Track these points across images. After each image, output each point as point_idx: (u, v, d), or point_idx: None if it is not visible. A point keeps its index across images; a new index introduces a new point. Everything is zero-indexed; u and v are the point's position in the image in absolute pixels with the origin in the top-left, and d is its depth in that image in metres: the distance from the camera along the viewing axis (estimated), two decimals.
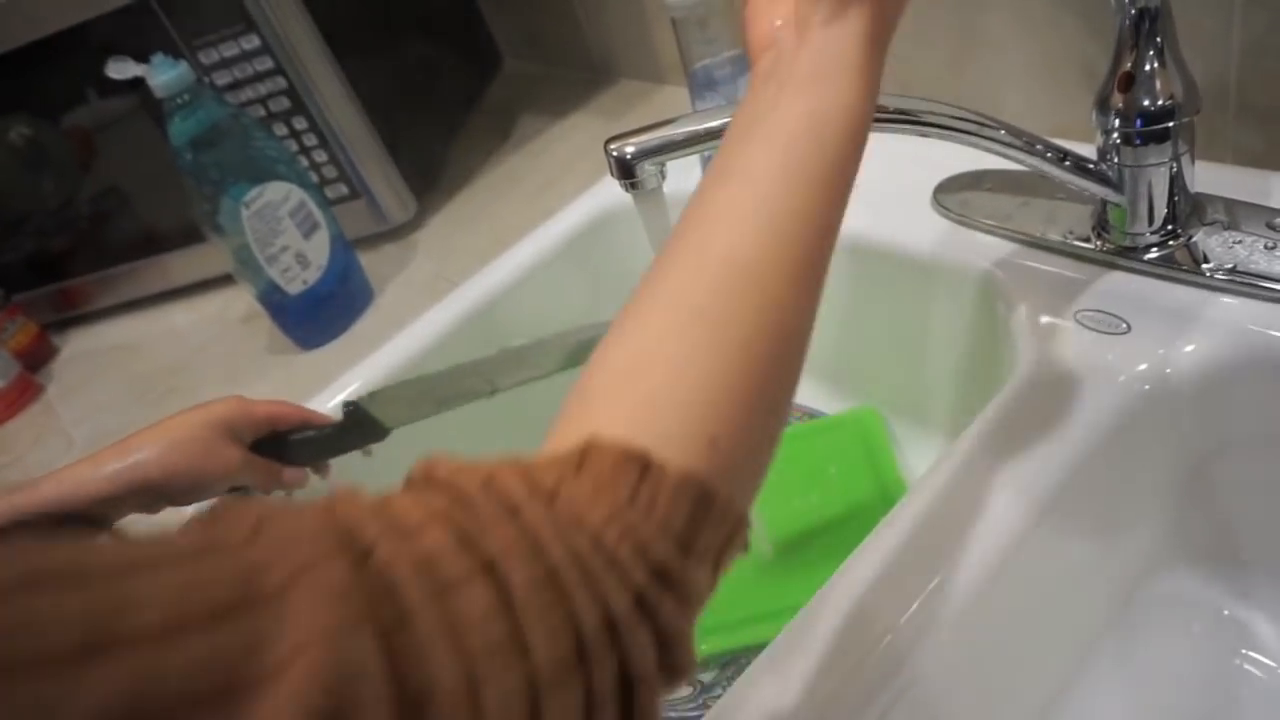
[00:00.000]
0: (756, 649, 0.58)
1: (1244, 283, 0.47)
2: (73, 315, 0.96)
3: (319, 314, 0.76)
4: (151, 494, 0.49)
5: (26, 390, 0.87)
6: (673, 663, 0.25)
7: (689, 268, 0.31)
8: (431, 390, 0.55)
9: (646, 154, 0.44)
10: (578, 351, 0.54)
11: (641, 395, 0.28)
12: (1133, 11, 0.44)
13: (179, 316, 0.91)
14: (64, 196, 0.89)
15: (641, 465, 0.26)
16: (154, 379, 0.83)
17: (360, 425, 0.54)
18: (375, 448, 0.56)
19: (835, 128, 0.33)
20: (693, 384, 0.28)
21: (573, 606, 0.23)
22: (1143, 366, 0.46)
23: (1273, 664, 0.51)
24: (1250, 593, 0.52)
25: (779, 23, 0.35)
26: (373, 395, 0.55)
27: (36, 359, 0.92)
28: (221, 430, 0.50)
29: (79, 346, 0.94)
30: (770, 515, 0.65)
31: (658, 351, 0.29)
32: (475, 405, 0.57)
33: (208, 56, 0.76)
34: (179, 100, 0.66)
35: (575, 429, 0.27)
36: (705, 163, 0.72)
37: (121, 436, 0.76)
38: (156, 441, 0.49)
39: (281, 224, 0.72)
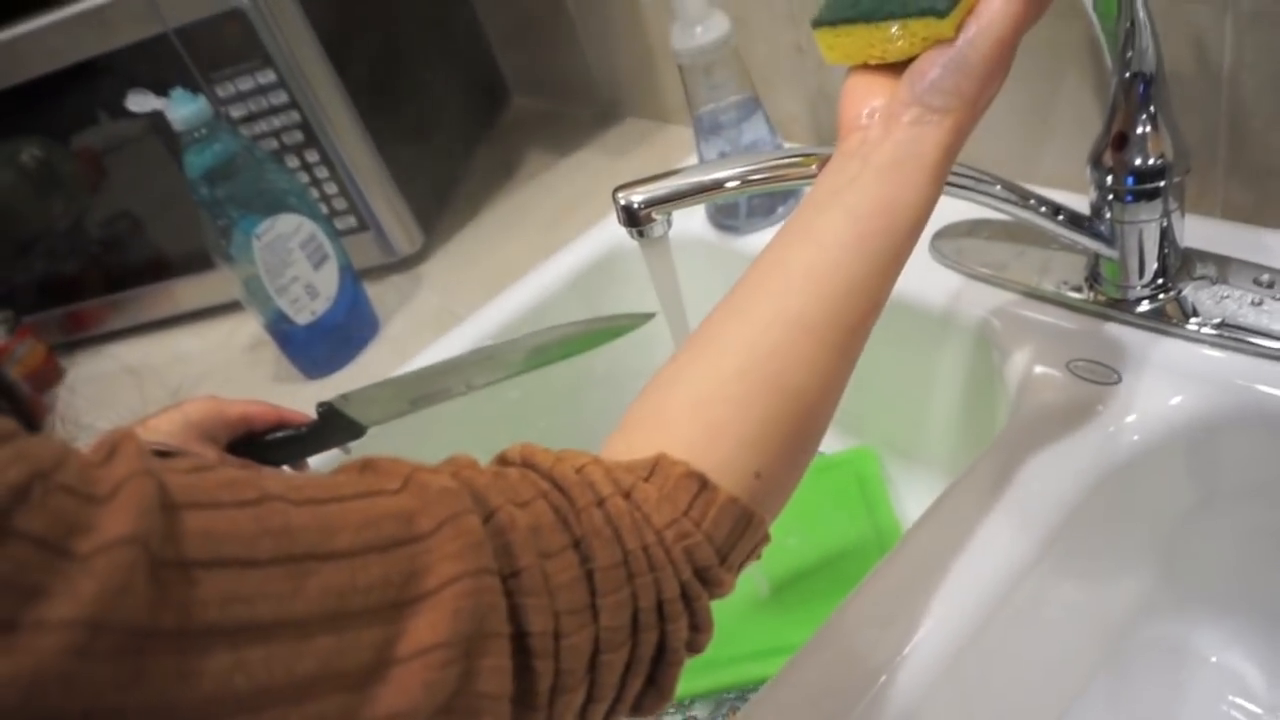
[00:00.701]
0: (751, 687, 0.59)
1: (1232, 337, 0.48)
2: (81, 337, 0.98)
3: (325, 344, 0.78)
4: None
5: (34, 412, 0.88)
6: (696, 641, 0.32)
7: (762, 320, 0.36)
8: (406, 390, 0.56)
9: (653, 203, 0.45)
10: (545, 350, 0.58)
11: (706, 426, 0.33)
12: (1128, 74, 0.46)
13: (186, 341, 0.92)
14: (73, 218, 0.90)
15: (700, 484, 0.32)
16: (160, 403, 0.83)
17: (336, 424, 0.55)
18: (353, 445, 0.57)
19: (904, 215, 0.37)
20: (750, 423, 0.34)
21: (635, 588, 0.29)
22: (1132, 417, 0.48)
23: (1259, 710, 0.51)
24: (1238, 639, 0.53)
25: (871, 111, 0.39)
26: (347, 396, 0.55)
27: (44, 380, 0.93)
28: (195, 433, 0.50)
29: (86, 369, 0.95)
30: (766, 553, 0.65)
31: (725, 390, 0.34)
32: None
33: (224, 90, 0.77)
34: (196, 134, 0.68)
35: (647, 440, 0.33)
36: (710, 211, 0.74)
37: None
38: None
39: (292, 255, 0.73)
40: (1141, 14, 0.44)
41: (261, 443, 0.54)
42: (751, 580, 0.64)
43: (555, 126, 1.02)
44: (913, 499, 0.68)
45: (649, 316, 0.54)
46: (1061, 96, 0.59)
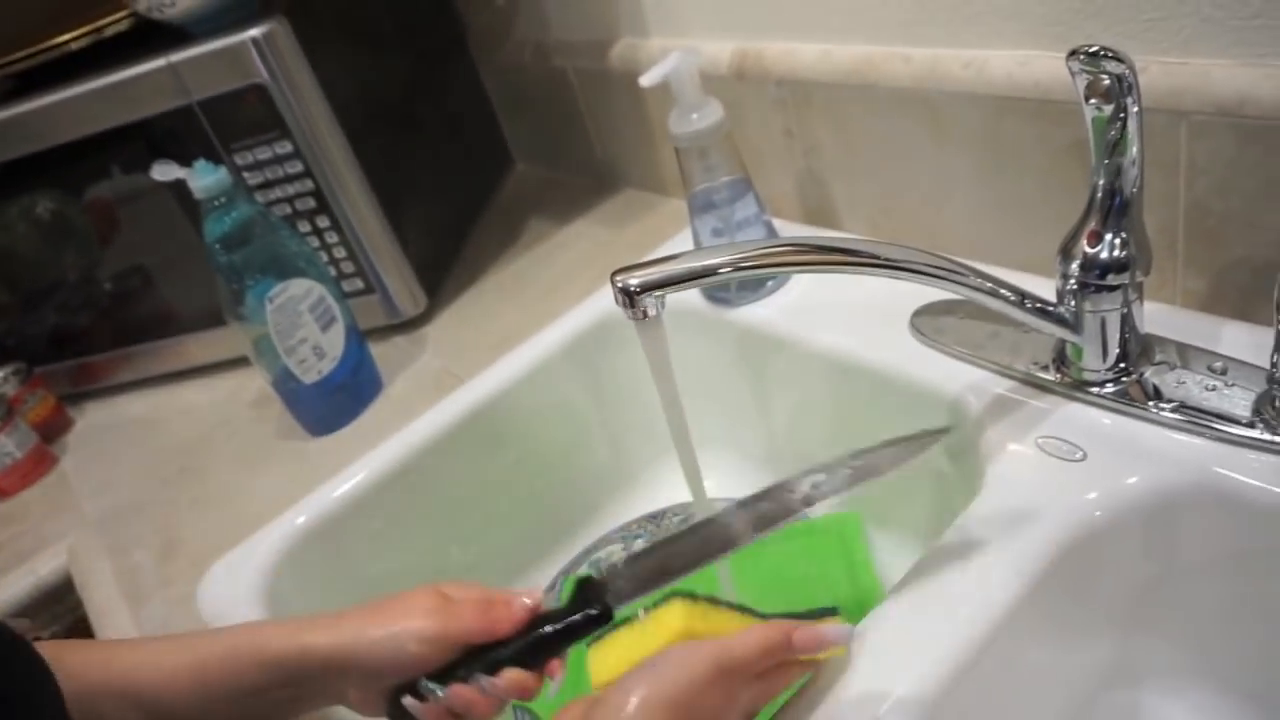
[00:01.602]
0: None
1: (1189, 419, 0.51)
2: (90, 389, 1.00)
3: (330, 402, 0.81)
4: (376, 672, 0.48)
5: (42, 461, 0.91)
6: None
7: None
8: (667, 562, 0.49)
9: (649, 287, 0.48)
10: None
11: None
12: (1108, 183, 0.49)
13: (193, 395, 0.95)
14: (85, 271, 0.94)
15: None
16: (167, 456, 0.86)
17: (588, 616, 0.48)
18: None
19: None
20: None
21: None
22: (1094, 494, 0.51)
23: None
24: (1198, 709, 0.55)
25: None
26: (601, 572, 0.49)
27: (53, 430, 0.95)
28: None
29: (95, 420, 0.97)
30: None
31: None
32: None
33: (242, 158, 0.81)
34: (216, 202, 0.72)
35: None
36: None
37: (132, 511, 0.79)
38: (424, 613, 0.47)
39: (302, 318, 0.76)
40: (1133, 131, 0.47)
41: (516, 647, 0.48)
42: None
43: (556, 194, 1.07)
44: (893, 563, 0.70)
45: (946, 431, 0.50)
46: (1042, 190, 0.63)
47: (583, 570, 0.48)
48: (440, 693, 0.46)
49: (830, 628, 0.45)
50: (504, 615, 0.48)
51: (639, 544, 0.79)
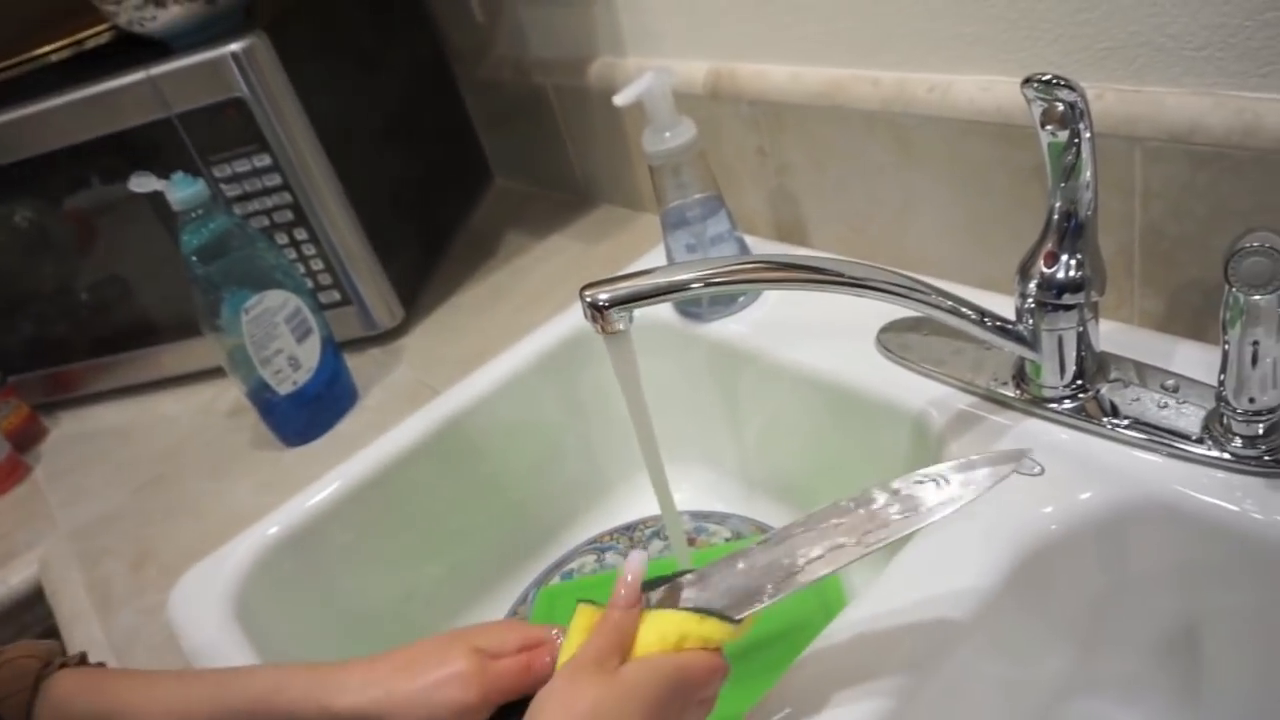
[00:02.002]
0: None
1: (1143, 436, 0.53)
2: (65, 398, 1.00)
3: (305, 413, 0.81)
4: None
5: (15, 470, 0.91)
6: None
7: None
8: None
9: (617, 301, 0.49)
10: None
11: None
12: (1064, 207, 0.51)
13: (168, 405, 0.95)
14: (61, 282, 0.94)
15: None
16: (141, 466, 0.86)
17: None
18: None
19: None
20: None
21: None
22: (1050, 509, 0.52)
23: None
24: (1157, 715, 0.57)
25: None
26: None
27: (26, 439, 0.95)
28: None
29: (69, 429, 0.97)
30: None
31: None
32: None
33: (220, 171, 0.82)
34: (193, 214, 0.72)
35: None
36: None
37: (105, 521, 0.79)
38: (463, 682, 0.45)
39: (278, 329, 0.77)
40: (1086, 156, 0.49)
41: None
42: None
43: (534, 209, 1.08)
44: (859, 575, 0.71)
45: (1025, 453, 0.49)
46: (1005, 211, 0.64)
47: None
48: None
49: (632, 564, 0.44)
50: (546, 670, 0.45)
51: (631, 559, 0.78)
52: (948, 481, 0.45)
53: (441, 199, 1.09)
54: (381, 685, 0.45)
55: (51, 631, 0.74)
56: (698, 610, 0.44)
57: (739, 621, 0.44)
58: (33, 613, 0.79)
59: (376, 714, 0.44)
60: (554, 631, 0.48)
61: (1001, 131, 0.61)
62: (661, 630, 0.44)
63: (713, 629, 0.44)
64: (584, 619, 0.45)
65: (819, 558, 0.45)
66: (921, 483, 0.45)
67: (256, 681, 0.47)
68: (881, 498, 0.46)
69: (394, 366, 0.88)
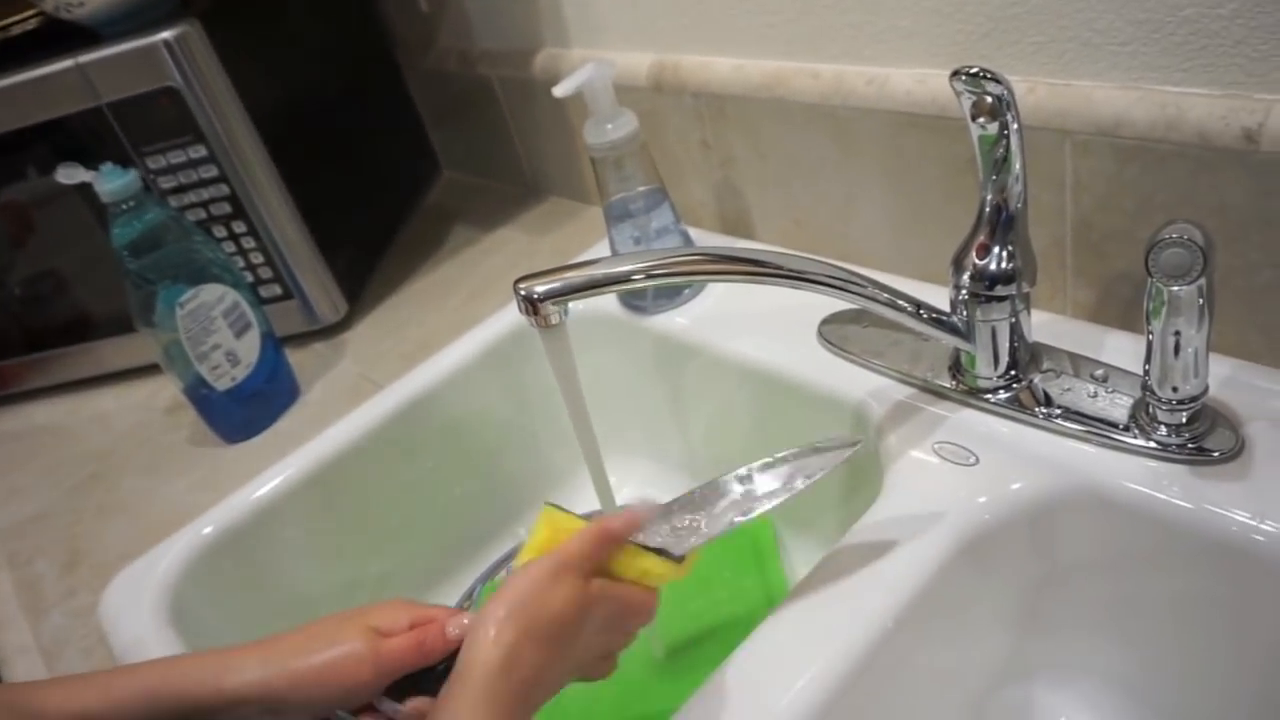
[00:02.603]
0: None
1: (1075, 425, 0.54)
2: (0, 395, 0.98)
3: (244, 409, 0.80)
4: (302, 711, 0.46)
5: None
6: None
7: None
8: None
9: (552, 295, 0.49)
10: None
11: None
12: (994, 199, 0.51)
13: (105, 402, 0.93)
14: None
15: None
16: (76, 464, 0.84)
17: None
18: None
19: None
20: None
21: None
22: (983, 499, 0.53)
23: None
24: (1085, 701, 0.58)
25: None
26: None
27: None
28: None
29: (4, 426, 0.95)
30: (663, 618, 0.69)
31: None
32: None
33: (155, 162, 0.80)
34: (124, 206, 0.70)
35: None
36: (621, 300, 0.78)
37: (36, 520, 0.77)
38: (356, 659, 0.45)
39: (214, 323, 0.76)
40: (1015, 149, 0.49)
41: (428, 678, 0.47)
42: (647, 643, 0.67)
43: (482, 201, 1.07)
44: (805, 566, 0.72)
45: (857, 442, 0.51)
46: (942, 203, 0.65)
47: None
48: None
49: (641, 506, 0.49)
50: (437, 646, 0.47)
51: None
52: (782, 467, 0.51)
53: (387, 191, 1.07)
54: (274, 665, 0.45)
55: None
56: (659, 550, 0.48)
57: (682, 559, 0.48)
58: None
59: (270, 693, 0.45)
60: (445, 612, 0.49)
61: (937, 124, 0.61)
62: (629, 560, 0.48)
63: (667, 570, 0.48)
64: (550, 521, 0.49)
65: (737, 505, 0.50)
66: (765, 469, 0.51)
67: (146, 673, 0.46)
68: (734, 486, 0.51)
69: (337, 361, 0.87)
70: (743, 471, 0.51)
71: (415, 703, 0.47)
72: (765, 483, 0.50)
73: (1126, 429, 0.52)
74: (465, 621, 0.48)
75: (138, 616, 0.61)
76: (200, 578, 0.66)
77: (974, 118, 0.48)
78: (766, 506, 0.49)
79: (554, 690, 0.45)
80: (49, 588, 0.70)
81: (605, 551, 0.47)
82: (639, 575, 0.48)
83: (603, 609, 0.46)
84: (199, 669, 0.46)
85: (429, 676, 0.47)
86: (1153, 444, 0.51)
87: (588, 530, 0.47)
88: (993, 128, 0.48)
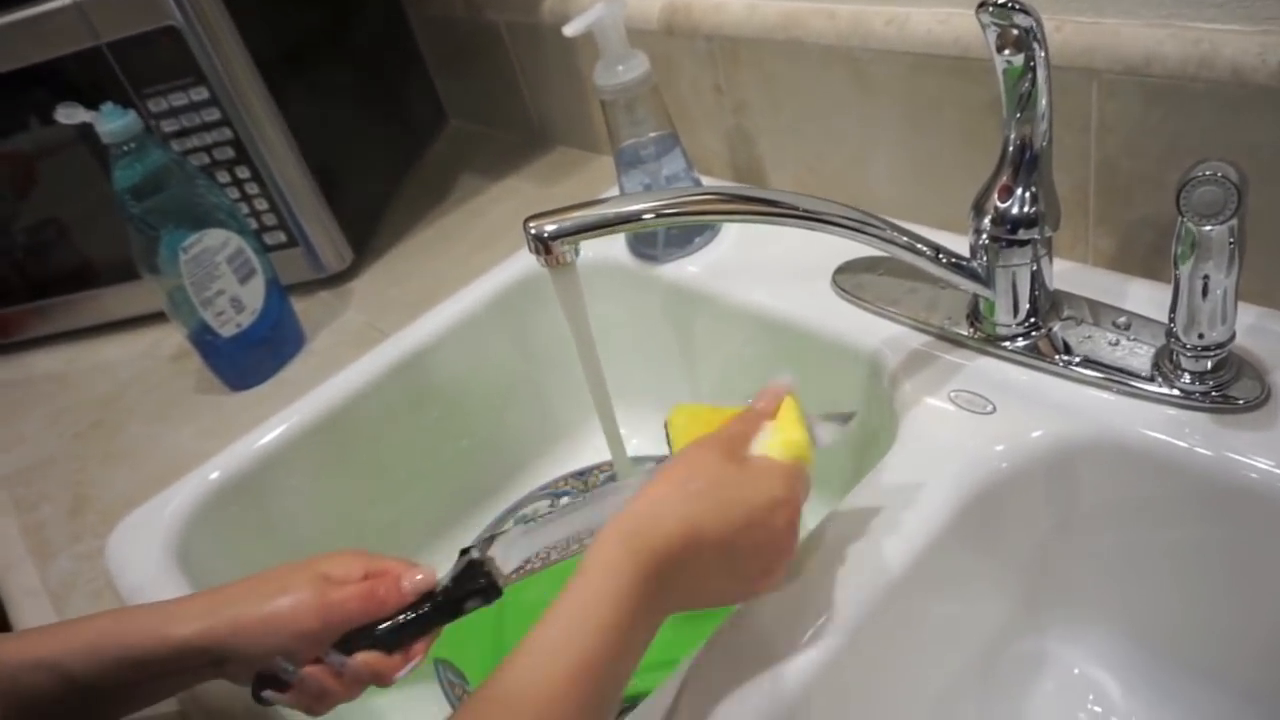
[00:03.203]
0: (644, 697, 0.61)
1: (1094, 374, 0.53)
2: (2, 344, 0.97)
3: (250, 356, 0.79)
4: (251, 660, 0.45)
5: None
6: None
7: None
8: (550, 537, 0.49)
9: (563, 234, 0.48)
10: None
11: None
12: (1019, 138, 0.50)
13: (109, 350, 0.92)
14: None
15: None
16: (80, 412, 0.84)
17: (471, 588, 0.47)
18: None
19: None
20: None
21: None
22: (1001, 446, 0.52)
23: (1116, 718, 0.56)
24: (1099, 650, 0.57)
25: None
26: (490, 553, 0.47)
27: None
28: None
29: (7, 375, 0.94)
30: None
31: None
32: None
33: (156, 105, 0.79)
34: (125, 148, 0.69)
35: None
36: (629, 240, 0.77)
37: (41, 466, 0.77)
38: (306, 609, 0.45)
39: (218, 269, 0.74)
40: (1042, 83, 0.47)
41: (379, 633, 0.46)
42: None
43: (488, 151, 1.05)
44: (813, 517, 0.71)
45: (852, 415, 0.50)
46: (961, 148, 0.63)
47: (473, 545, 0.47)
48: (295, 674, 0.44)
49: (779, 381, 0.48)
50: (390, 598, 0.46)
51: (542, 511, 0.78)
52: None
53: (392, 140, 1.06)
54: (219, 613, 0.45)
55: None
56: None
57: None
58: None
59: (216, 641, 0.44)
60: (401, 565, 0.48)
61: (959, 65, 0.59)
62: (786, 438, 0.46)
63: (807, 443, 0.46)
64: (684, 417, 0.49)
65: None
66: None
67: (98, 622, 0.46)
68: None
69: (342, 310, 0.86)
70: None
71: (364, 656, 0.45)
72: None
73: (1149, 377, 0.51)
74: (418, 578, 0.47)
75: (145, 560, 0.61)
76: (207, 523, 0.65)
77: (999, 50, 0.46)
78: None
79: (708, 585, 0.43)
80: (55, 533, 0.69)
81: (753, 429, 0.46)
82: (776, 451, 0.46)
83: (769, 490, 0.43)
84: (146, 617, 0.45)
85: (381, 630, 0.46)
86: (1175, 392, 0.50)
87: (738, 417, 0.46)
88: (1018, 60, 0.46)
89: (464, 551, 0.48)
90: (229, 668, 0.46)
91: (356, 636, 0.46)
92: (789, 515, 0.44)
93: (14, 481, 0.77)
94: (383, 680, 0.46)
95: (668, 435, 0.49)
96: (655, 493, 0.42)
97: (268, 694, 0.45)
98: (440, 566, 0.48)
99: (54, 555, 0.67)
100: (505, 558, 0.47)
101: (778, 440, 0.46)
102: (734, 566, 0.43)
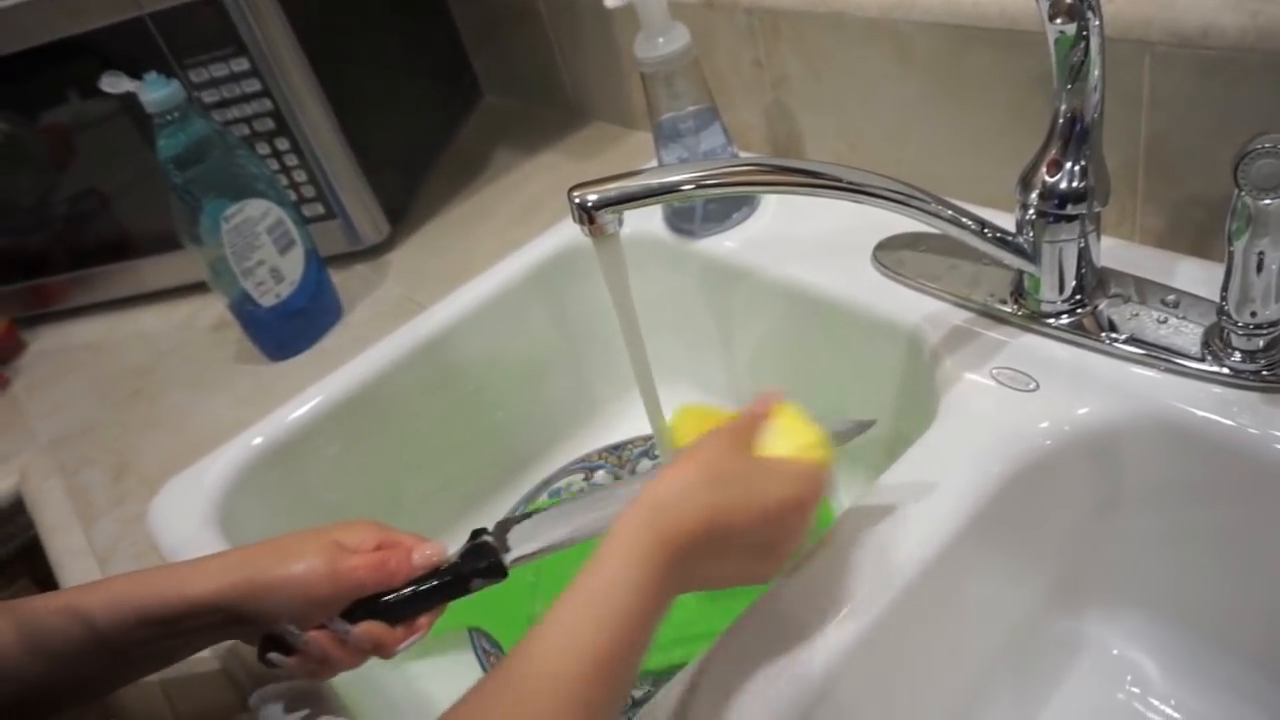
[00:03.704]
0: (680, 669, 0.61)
1: (1141, 352, 0.52)
2: (44, 312, 0.98)
3: (288, 327, 0.80)
4: (262, 622, 0.46)
5: None
6: None
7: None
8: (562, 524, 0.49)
9: (606, 203, 0.48)
10: None
11: None
12: (1070, 110, 0.49)
13: (149, 320, 0.93)
14: (38, 194, 0.91)
15: None
16: (120, 380, 0.85)
17: (478, 568, 0.48)
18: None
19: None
20: None
21: None
22: (1045, 424, 0.51)
23: (1155, 700, 0.55)
24: (1138, 633, 0.57)
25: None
26: (504, 535, 0.48)
27: (5, 353, 0.94)
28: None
29: (48, 343, 0.96)
30: None
31: None
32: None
33: (197, 75, 0.79)
34: (168, 117, 0.70)
35: None
36: (667, 214, 0.77)
37: (84, 432, 0.78)
38: (318, 576, 0.45)
39: (259, 239, 0.75)
40: (1095, 53, 0.46)
41: (384, 603, 0.47)
42: None
43: (523, 126, 1.05)
44: (849, 494, 0.71)
45: (870, 423, 0.52)
46: (1006, 124, 0.62)
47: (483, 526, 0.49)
48: (300, 639, 0.45)
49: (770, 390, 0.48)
50: (400, 570, 0.47)
51: (574, 488, 0.79)
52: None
53: (429, 115, 1.06)
54: (234, 575, 0.45)
55: (33, 541, 0.73)
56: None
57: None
58: (14, 523, 0.78)
59: (228, 602, 0.45)
60: (415, 539, 0.48)
61: (1006, 38, 0.58)
62: (803, 440, 0.46)
63: (821, 442, 0.46)
64: (693, 413, 0.49)
65: None
66: None
67: (119, 580, 0.47)
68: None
69: (379, 282, 0.86)
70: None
71: (367, 626, 0.46)
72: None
73: (1200, 357, 0.50)
74: (428, 552, 0.47)
75: (186, 524, 0.62)
76: (247, 489, 0.66)
77: (1052, 18, 0.46)
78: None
79: (719, 572, 0.44)
80: (98, 496, 0.71)
81: (756, 426, 0.46)
82: (796, 448, 0.46)
83: (779, 491, 0.43)
84: (165, 577, 0.46)
85: (386, 602, 0.47)
86: (1225, 370, 0.49)
87: (747, 408, 0.46)
88: (1071, 29, 0.45)
89: (475, 532, 0.48)
90: (242, 629, 0.46)
91: (362, 606, 0.46)
92: (805, 516, 0.44)
93: (58, 446, 0.78)
94: (384, 651, 0.47)
95: (669, 436, 0.49)
96: (680, 474, 0.42)
97: (273, 656, 0.45)
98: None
99: (98, 518, 0.68)
100: (514, 542, 0.48)
101: (796, 442, 0.46)
102: (743, 557, 0.43)
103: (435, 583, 0.47)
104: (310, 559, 0.46)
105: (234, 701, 0.52)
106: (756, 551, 0.44)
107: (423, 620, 0.48)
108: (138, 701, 0.52)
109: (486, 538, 0.48)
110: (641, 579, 0.39)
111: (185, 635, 0.46)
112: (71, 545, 0.67)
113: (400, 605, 0.47)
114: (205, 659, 0.52)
